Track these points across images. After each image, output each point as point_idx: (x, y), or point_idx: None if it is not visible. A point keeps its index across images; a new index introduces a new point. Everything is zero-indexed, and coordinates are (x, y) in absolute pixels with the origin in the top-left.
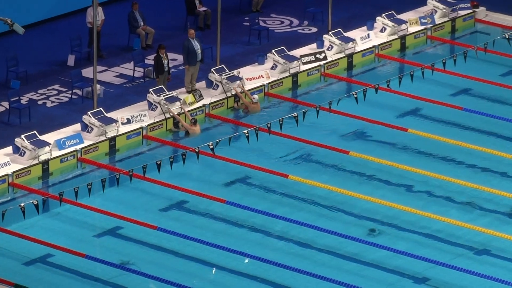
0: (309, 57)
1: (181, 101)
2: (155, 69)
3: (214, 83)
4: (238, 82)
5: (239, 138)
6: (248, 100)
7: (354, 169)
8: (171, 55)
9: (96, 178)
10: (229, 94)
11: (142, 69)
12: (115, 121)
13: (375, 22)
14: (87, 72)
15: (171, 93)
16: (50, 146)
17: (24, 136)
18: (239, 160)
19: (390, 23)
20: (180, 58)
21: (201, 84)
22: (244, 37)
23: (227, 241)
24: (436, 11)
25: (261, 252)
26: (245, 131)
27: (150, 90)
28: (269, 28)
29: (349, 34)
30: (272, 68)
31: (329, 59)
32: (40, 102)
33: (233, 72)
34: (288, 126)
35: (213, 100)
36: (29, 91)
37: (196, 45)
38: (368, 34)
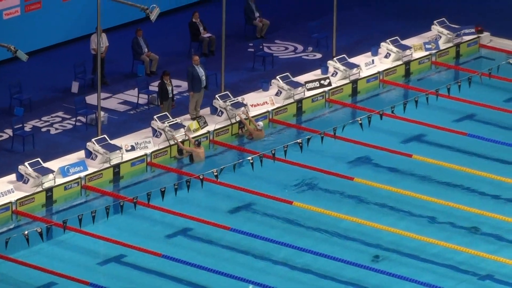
0: (314, 83)
1: (185, 127)
2: (160, 95)
3: (218, 110)
4: (242, 108)
5: (244, 165)
6: (253, 127)
7: (358, 195)
8: (175, 82)
9: (100, 205)
10: (233, 121)
11: (146, 96)
12: (119, 148)
13: (380, 47)
14: (91, 99)
15: (176, 120)
16: (54, 173)
17: (28, 163)
18: (243, 187)
19: (395, 49)
20: (184, 84)
21: (206, 111)
22: (249, 63)
23: (231, 267)
24: (441, 37)
25: (265, 278)
26: (249, 158)
27: (154, 116)
28: (274, 54)
29: (353, 60)
30: (276, 94)
31: (333, 85)
32: (44, 129)
33: (237, 99)
34: (293, 153)
35: (218, 126)
36: (32, 118)
37: (201, 71)
38: (373, 60)
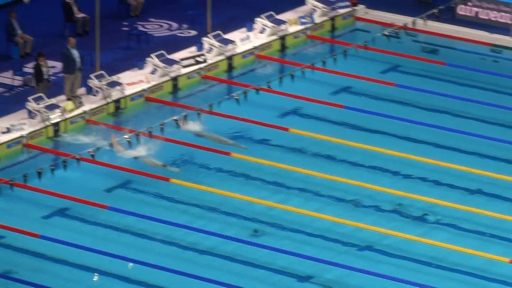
0: (189, 60)
1: (61, 108)
2: (35, 77)
3: (94, 89)
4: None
5: (121, 143)
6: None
7: (235, 170)
8: (50, 63)
9: None
10: (109, 100)
11: (21, 78)
12: None
13: (255, 23)
14: None
15: (51, 101)
16: None
17: None
18: (120, 165)
19: (270, 24)
20: (59, 65)
21: (81, 91)
22: (123, 42)
23: (111, 246)
24: (316, 11)
25: (145, 256)
26: (126, 136)
27: (29, 98)
28: (148, 33)
29: (228, 36)
30: (152, 72)
31: (209, 61)
32: None
33: (113, 78)
34: (170, 130)
35: (94, 106)
36: None
37: (76, 53)
38: (248, 36)
